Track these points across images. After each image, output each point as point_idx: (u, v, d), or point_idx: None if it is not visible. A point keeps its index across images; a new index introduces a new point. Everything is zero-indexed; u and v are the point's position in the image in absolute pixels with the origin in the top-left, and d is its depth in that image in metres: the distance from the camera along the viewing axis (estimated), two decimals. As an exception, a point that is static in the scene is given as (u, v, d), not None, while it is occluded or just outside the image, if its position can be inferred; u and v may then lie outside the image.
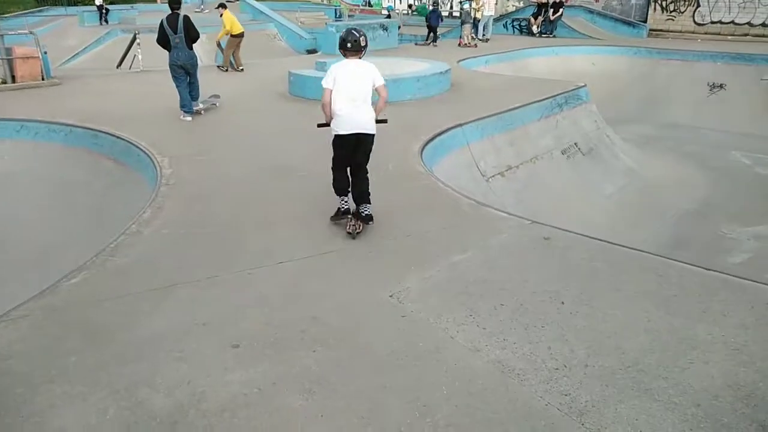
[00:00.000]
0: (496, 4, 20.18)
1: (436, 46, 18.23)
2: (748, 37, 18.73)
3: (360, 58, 4.64)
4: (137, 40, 13.85)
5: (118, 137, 7.54)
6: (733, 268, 7.42)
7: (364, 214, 4.65)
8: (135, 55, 14.03)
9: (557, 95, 10.27)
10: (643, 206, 9.28)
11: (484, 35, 18.87)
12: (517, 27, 21.08)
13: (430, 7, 19.67)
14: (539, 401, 2.78)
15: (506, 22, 21.40)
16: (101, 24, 24.87)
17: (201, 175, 6.17)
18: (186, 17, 8.58)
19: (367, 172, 4.78)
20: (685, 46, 17.34)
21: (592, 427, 2.61)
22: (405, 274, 4.03)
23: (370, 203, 4.70)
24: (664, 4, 20.45)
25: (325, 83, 4.59)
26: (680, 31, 20.06)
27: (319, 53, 17.66)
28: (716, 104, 14.90)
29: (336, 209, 4.89)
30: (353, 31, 4.61)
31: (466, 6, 18.57)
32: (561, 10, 19.70)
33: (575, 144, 10.03)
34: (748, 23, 18.86)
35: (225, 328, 3.40)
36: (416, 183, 6.02)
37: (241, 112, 9.47)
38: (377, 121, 4.68)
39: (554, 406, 2.74)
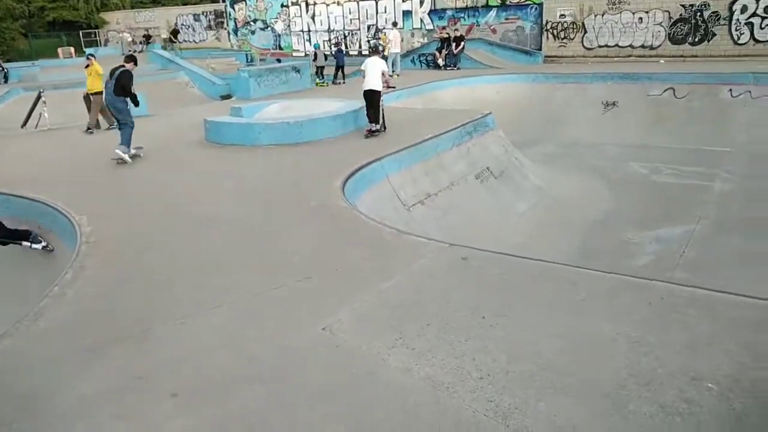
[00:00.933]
0: (402, 41, 21.07)
1: (344, 83, 18.77)
2: (631, 57, 20.50)
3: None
4: (42, 98, 13.43)
5: (32, 200, 7.30)
6: (637, 270, 8.08)
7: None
8: (41, 114, 13.57)
9: (466, 124, 10.87)
10: (553, 221, 9.90)
11: (393, 71, 19.61)
12: (424, 61, 22.06)
13: (334, 48, 20.18)
14: (467, 410, 3.00)
15: (413, 58, 22.34)
16: (1, 83, 23.81)
17: (122, 231, 6.10)
18: (125, 71, 9.51)
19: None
20: (578, 69, 18.74)
21: (516, 427, 2.86)
22: (336, 307, 4.20)
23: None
24: (555, 32, 22.06)
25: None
26: (572, 56, 21.66)
27: (233, 98, 17.72)
28: (611, 121, 16.15)
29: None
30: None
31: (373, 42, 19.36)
32: (462, 43, 20.83)
33: (487, 168, 10.61)
34: (630, 45, 20.67)
35: (162, 379, 3.42)
36: (340, 217, 6.23)
37: (159, 163, 9.39)
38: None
39: (481, 412, 2.98)
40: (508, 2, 22.86)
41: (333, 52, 19.32)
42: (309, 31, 29.66)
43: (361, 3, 27.02)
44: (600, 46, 21.21)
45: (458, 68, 20.66)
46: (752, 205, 10.33)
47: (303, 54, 29.01)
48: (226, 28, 34.39)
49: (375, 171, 8.34)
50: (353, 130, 10.66)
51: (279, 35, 31.14)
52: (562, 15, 21.80)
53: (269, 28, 31.42)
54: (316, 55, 19.46)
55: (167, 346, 3.80)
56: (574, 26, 21.61)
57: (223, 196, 7.17)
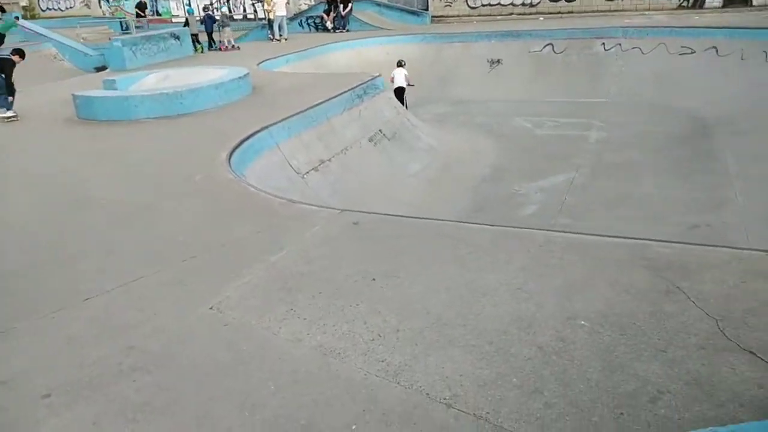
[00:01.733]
0: (288, 3, 20.39)
1: (236, 48, 18.00)
2: (513, 15, 21.17)
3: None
4: None
5: None
6: (525, 218, 8.51)
7: None
8: None
9: (356, 87, 10.78)
10: (446, 179, 10.17)
11: (281, 35, 19.02)
12: (312, 24, 21.55)
13: (203, 13, 18.91)
14: (359, 373, 3.02)
15: (301, 21, 21.76)
16: None
17: (-19, 222, 5.53)
18: (7, 59, 9.78)
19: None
20: (463, 29, 19.11)
21: (406, 383, 2.92)
22: (224, 284, 4.06)
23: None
24: (441, -8, 22.29)
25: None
26: (458, 16, 22.04)
27: (107, 70, 16.43)
28: (496, 78, 16.70)
29: None
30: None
31: (225, 9, 18.56)
32: (350, 4, 20.52)
33: (380, 131, 10.64)
34: (511, 3, 21.32)
35: (31, 380, 3.16)
36: (227, 190, 6.00)
37: (25, 145, 8.56)
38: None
39: (372, 374, 3.01)
40: (393, -38, 22.71)
41: (202, 18, 18.26)
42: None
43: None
44: (483, 5, 21.71)
45: (347, 30, 20.39)
46: (621, 151, 11.16)
47: (184, 20, 27.34)
48: (95, -6, 31.71)
49: (263, 140, 8.10)
50: (238, 99, 10.25)
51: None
52: (445, -26, 22.01)
53: (144, -8, 29.25)
54: (187, 21, 18.27)
55: (35, 344, 3.50)
56: (458, -15, 21.92)
57: (98, 175, 6.67)
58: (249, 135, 7.95)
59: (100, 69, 18.64)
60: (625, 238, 4.36)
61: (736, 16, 17.20)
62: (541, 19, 20.25)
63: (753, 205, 8.12)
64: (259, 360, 3.20)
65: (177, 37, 16.94)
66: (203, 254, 4.58)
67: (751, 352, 2.94)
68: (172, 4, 28.67)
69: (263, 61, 14.92)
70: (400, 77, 13.53)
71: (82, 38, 23.58)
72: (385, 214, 5.18)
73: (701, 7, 19.13)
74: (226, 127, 8.42)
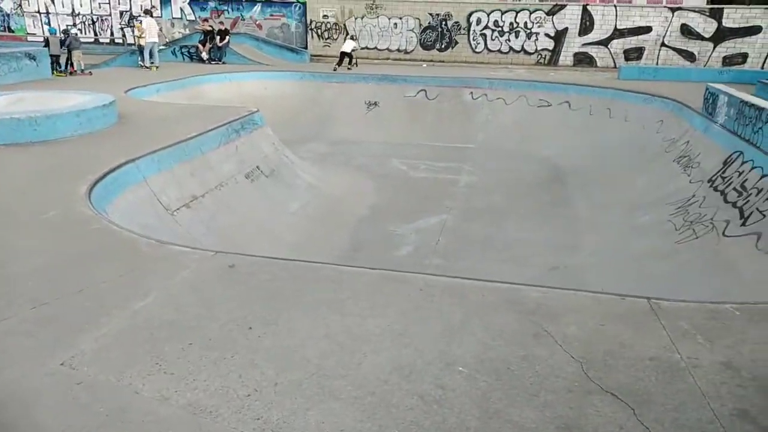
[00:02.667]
0: (160, 30, 19.61)
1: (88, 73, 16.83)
2: (389, 60, 22.02)
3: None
4: None
5: None
6: (401, 258, 8.67)
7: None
8: None
9: (233, 121, 10.48)
10: (326, 218, 10.13)
11: (152, 62, 18.17)
12: (187, 54, 20.84)
13: (62, 35, 17.42)
14: (233, 432, 2.82)
15: (174, 49, 20.95)
16: None
17: None
18: None
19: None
20: (342, 69, 19.48)
21: (285, 442, 2.76)
22: (78, 336, 3.64)
23: None
24: (319, 32, 22.66)
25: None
26: (336, 56, 22.42)
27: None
28: (374, 120, 17.15)
29: None
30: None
31: (74, 31, 17.65)
32: (227, 37, 20.16)
33: (257, 167, 10.40)
34: (388, 48, 22.20)
35: None
36: (86, 229, 5.47)
37: None
38: None
39: (248, 433, 2.82)
40: (272, -2, 22.80)
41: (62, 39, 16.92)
42: (48, 13, 25.91)
43: (111, -14, 24.45)
44: (361, 48, 22.36)
45: (224, 62, 19.95)
46: (488, 195, 11.87)
47: (42, 39, 25.25)
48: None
49: (130, 173, 7.55)
50: (103, 128, 9.53)
51: (8, 15, 26.65)
52: (325, 15, 22.47)
53: (-5, 6, 26.72)
54: (47, 41, 16.83)
55: None
56: (337, 27, 22.45)
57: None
58: (113, 168, 7.37)
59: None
60: (498, 282, 4.55)
61: (584, 75, 19.24)
62: (424, 65, 21.23)
63: (602, 248, 8.95)
64: (118, 423, 2.87)
65: (33, 58, 15.52)
66: (56, 301, 4.09)
67: (612, 393, 3.15)
68: (28, 21, 26.39)
69: (132, 89, 14.10)
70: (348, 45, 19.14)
71: None
72: (262, 257, 5.00)
73: (556, 64, 21.20)
74: (87, 158, 7.76)
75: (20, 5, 26.17)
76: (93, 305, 4.05)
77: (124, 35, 24.93)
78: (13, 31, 26.51)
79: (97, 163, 7.42)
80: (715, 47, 20.04)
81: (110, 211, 6.44)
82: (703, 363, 3.47)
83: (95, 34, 25.52)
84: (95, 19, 25.47)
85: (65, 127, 8.92)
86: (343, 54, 19.26)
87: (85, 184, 6.60)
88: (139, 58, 18.83)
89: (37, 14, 26.20)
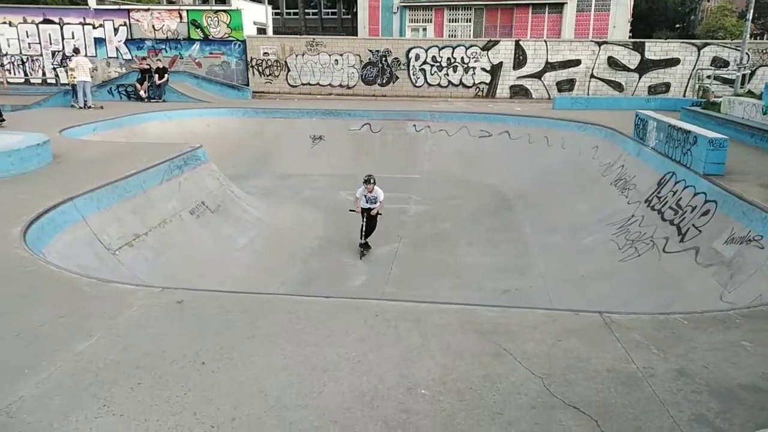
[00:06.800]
0: (94, 69, 19.14)
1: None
2: (332, 96, 22.23)
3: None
4: None
5: None
6: (356, 289, 8.59)
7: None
8: None
9: (175, 157, 10.25)
10: (275, 252, 9.95)
11: (85, 101, 17.64)
12: (124, 92, 20.38)
13: None
14: (190, 473, 2.66)
15: (111, 88, 20.47)
16: None
17: None
18: None
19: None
20: (285, 105, 19.52)
21: (246, 478, 2.62)
22: (17, 382, 3.38)
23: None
24: (260, 69, 22.68)
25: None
26: (279, 92, 22.53)
27: None
28: (320, 153, 17.16)
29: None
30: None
31: None
32: (166, 75, 19.89)
33: (203, 203, 10.16)
34: (330, 84, 22.43)
35: None
36: (22, 270, 5.15)
37: None
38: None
39: (206, 472, 2.67)
40: (211, 37, 22.70)
41: None
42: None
43: (41, 26, 23.73)
44: (303, 84, 22.53)
45: (163, 101, 19.62)
46: (437, 223, 12.00)
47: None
48: None
49: (67, 213, 7.22)
50: (36, 168, 9.12)
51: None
52: (265, 53, 22.54)
53: None
54: None
55: None
56: (278, 64, 22.54)
57: None
58: (49, 207, 7.03)
59: None
60: (453, 304, 4.56)
61: (521, 105, 19.97)
62: (377, 99, 21.53)
63: (550, 270, 9.15)
64: (63, 473, 2.66)
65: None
66: (-12, 348, 3.81)
67: (574, 406, 3.17)
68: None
69: (67, 128, 13.61)
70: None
71: None
72: (212, 291, 4.84)
73: (493, 96, 21.94)
74: (20, 199, 7.38)
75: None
76: (32, 349, 3.79)
77: (56, 75, 24.16)
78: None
79: (32, 203, 7.07)
80: (640, 77, 21.27)
81: (47, 253, 6.12)
82: (658, 372, 3.56)
83: (25, 74, 24.64)
84: (25, 59, 24.62)
85: (-5, 168, 8.48)
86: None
87: (20, 225, 6.26)
88: (72, 98, 18.27)
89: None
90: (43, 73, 24.43)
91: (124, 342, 3.90)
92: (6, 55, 24.52)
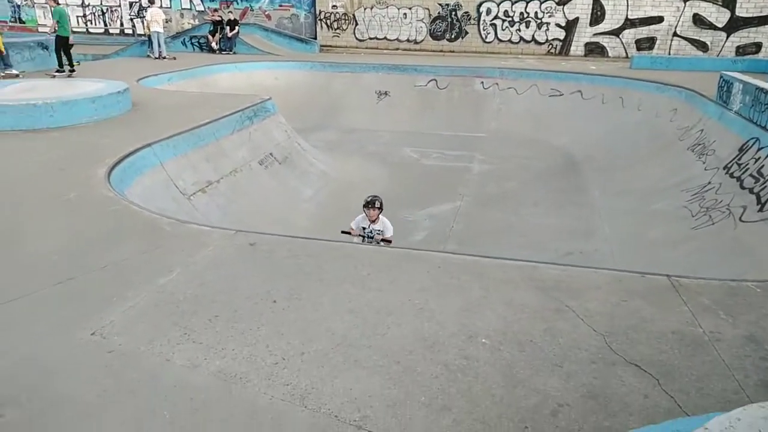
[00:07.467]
0: (168, 20, 19.64)
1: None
2: (399, 50, 21.96)
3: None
4: None
5: None
6: (416, 243, 8.69)
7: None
8: None
9: (246, 108, 10.53)
10: (338, 204, 10.14)
11: (160, 52, 18.21)
12: (197, 44, 20.87)
13: None
14: (263, 397, 2.87)
15: (184, 40, 20.99)
16: None
17: None
18: None
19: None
20: (352, 59, 19.46)
21: (314, 406, 2.81)
22: (107, 308, 3.70)
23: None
24: (328, 22, 22.61)
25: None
26: (346, 47, 22.45)
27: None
28: (385, 109, 17.13)
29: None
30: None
31: None
32: (237, 27, 20.18)
33: (271, 154, 10.45)
34: (397, 39, 22.13)
35: None
36: (106, 209, 5.53)
37: None
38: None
39: (278, 398, 2.86)
40: (281, -11, 22.77)
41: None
42: (59, 4, 25.90)
43: (120, -23, 24.47)
44: (371, 38, 22.32)
45: (234, 53, 19.98)
46: (501, 182, 11.85)
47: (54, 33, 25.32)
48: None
49: (146, 158, 7.62)
50: (117, 115, 9.60)
51: (18, 6, 26.77)
52: (334, 6, 22.40)
53: (6, -3, 26.82)
54: None
55: None
56: (346, 17, 22.38)
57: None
58: (130, 152, 7.45)
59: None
60: (515, 260, 4.58)
61: (595, 64, 19.11)
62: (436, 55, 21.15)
63: (616, 234, 8.93)
64: (151, 389, 2.93)
65: (46, 48, 15.62)
66: (81, 276, 4.16)
67: (635, 364, 3.17)
68: (39, 12, 26.46)
69: (144, 78, 14.16)
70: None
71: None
72: (282, 235, 5.04)
73: (567, 54, 21.06)
74: (104, 143, 7.83)
75: (31, -4, 26.28)
76: (118, 280, 4.11)
77: (133, 25, 24.99)
78: (24, 23, 26.62)
79: (114, 148, 7.49)
80: (728, 37, 19.81)
81: (128, 195, 6.51)
82: (726, 337, 3.49)
83: (105, 25, 25.60)
84: (104, 10, 25.53)
85: (81, 114, 9.00)
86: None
87: (104, 167, 6.67)
88: (148, 49, 18.89)
89: (47, 5, 26.24)
90: (121, 24, 25.31)
91: (202, 278, 4.16)
92: (87, 5, 25.50)
